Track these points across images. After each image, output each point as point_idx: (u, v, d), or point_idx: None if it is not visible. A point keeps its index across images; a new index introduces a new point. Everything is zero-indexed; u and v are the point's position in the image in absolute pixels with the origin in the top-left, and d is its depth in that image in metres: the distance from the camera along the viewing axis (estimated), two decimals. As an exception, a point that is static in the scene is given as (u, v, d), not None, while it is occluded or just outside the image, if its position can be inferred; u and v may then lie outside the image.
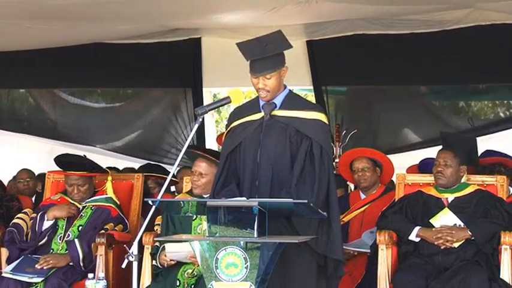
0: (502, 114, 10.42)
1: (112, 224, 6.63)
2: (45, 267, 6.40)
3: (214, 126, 11.25)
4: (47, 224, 6.60)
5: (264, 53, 5.04)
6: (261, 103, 5.19)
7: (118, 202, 6.80)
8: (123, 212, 6.80)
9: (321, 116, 5.15)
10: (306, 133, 5.07)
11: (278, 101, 5.17)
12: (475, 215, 6.28)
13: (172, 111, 10.73)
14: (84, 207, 6.73)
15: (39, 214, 6.64)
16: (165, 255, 5.93)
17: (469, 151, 6.55)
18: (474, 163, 6.65)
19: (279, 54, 5.09)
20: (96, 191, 6.84)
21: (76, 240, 6.49)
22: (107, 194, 6.81)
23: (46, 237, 6.61)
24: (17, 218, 6.81)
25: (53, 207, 6.66)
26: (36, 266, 6.40)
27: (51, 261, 6.43)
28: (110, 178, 6.90)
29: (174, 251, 5.84)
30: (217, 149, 8.77)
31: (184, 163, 9.24)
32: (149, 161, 10.22)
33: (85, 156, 7.04)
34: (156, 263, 6.03)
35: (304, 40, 10.08)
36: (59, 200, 6.82)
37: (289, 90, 5.22)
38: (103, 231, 6.51)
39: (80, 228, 6.63)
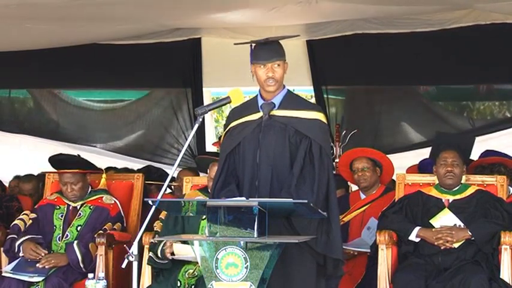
0: (502, 114, 10.42)
1: (110, 223, 6.63)
2: (46, 267, 6.41)
3: (213, 126, 11.25)
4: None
5: (270, 40, 5.06)
6: (260, 103, 5.18)
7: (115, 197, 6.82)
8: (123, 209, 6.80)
9: (319, 116, 5.14)
10: (305, 133, 5.07)
11: (277, 100, 5.15)
12: (475, 215, 6.28)
13: (172, 111, 10.74)
14: (82, 205, 6.73)
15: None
16: (170, 252, 5.91)
17: (467, 151, 6.55)
18: (467, 162, 6.66)
19: (282, 47, 5.09)
20: (92, 189, 6.84)
21: (74, 244, 6.48)
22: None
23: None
24: (18, 219, 6.82)
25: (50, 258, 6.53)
26: (38, 265, 6.40)
27: (52, 261, 6.43)
28: (104, 176, 6.91)
29: (182, 254, 5.83)
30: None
31: (184, 164, 9.27)
32: (150, 161, 10.24)
33: (79, 155, 7.04)
34: (153, 255, 6.01)
35: (304, 40, 10.09)
36: (55, 200, 6.81)
37: (288, 90, 5.22)
38: (101, 231, 6.51)
39: (79, 228, 6.63)
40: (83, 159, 6.89)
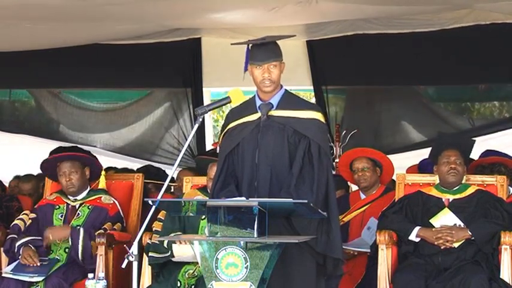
0: (502, 114, 10.43)
1: (110, 223, 6.63)
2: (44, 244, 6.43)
3: (212, 126, 11.26)
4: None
5: (267, 40, 5.06)
6: (258, 103, 5.17)
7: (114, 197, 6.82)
8: (122, 209, 6.80)
9: (318, 115, 5.14)
10: (304, 133, 5.06)
11: (275, 101, 5.15)
12: (475, 215, 6.28)
13: (172, 111, 10.75)
14: (81, 204, 6.73)
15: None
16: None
17: (467, 152, 6.55)
18: (467, 162, 6.68)
19: (279, 48, 5.10)
20: (91, 189, 6.85)
21: (81, 229, 6.48)
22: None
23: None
24: (18, 219, 6.82)
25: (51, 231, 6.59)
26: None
27: (50, 237, 6.45)
28: (103, 173, 6.91)
29: (181, 255, 5.85)
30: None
31: (184, 164, 9.27)
32: (150, 161, 10.24)
33: (77, 146, 7.06)
34: (153, 253, 6.01)
35: (304, 40, 10.09)
36: (55, 199, 6.81)
37: (286, 90, 5.21)
38: (102, 231, 6.51)
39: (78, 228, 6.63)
40: (80, 148, 6.91)
